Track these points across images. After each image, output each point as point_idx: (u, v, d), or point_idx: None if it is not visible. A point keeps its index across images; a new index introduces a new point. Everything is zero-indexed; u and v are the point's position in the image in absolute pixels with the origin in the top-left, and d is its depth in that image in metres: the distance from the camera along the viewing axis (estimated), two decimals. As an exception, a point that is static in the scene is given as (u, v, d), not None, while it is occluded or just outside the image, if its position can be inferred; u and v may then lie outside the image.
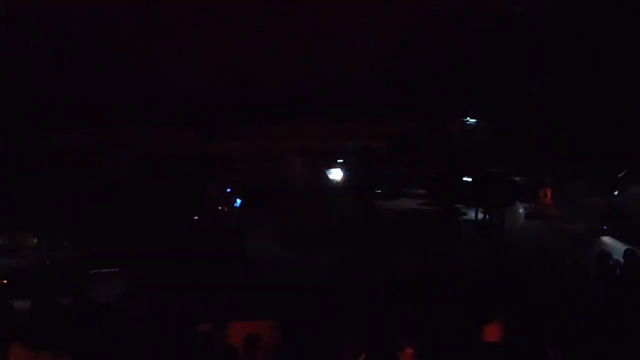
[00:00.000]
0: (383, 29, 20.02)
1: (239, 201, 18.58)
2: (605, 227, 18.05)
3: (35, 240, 17.24)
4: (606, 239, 17.59)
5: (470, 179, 19.64)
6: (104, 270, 15.43)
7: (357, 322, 9.83)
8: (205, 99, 20.19)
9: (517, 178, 20.28)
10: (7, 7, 19.57)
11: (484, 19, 20.13)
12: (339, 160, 20.50)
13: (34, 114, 19.54)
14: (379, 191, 20.84)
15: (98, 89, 19.86)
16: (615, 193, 19.14)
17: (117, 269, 15.45)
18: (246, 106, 20.43)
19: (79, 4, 19.91)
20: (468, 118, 21.03)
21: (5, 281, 14.78)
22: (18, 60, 19.54)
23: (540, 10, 20.69)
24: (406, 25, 19.93)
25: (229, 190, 18.78)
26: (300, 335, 9.74)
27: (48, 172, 18.73)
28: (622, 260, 13.31)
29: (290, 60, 20.26)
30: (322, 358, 8.83)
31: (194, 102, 20.27)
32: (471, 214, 19.19)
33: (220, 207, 18.50)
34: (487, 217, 18.92)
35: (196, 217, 18.35)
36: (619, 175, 19.30)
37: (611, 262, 13.11)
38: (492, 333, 8.79)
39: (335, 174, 20.21)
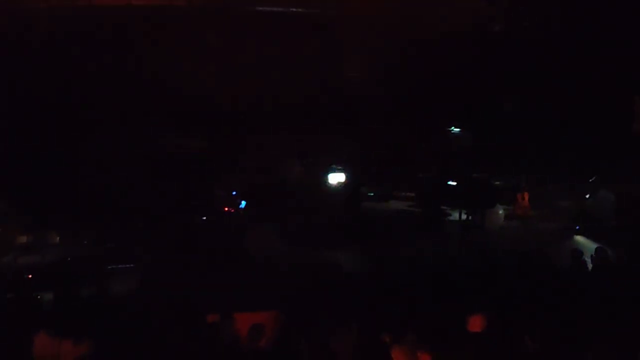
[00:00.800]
0: (381, 50, 20.06)
1: (243, 203, 18.58)
2: (577, 227, 18.09)
3: (58, 238, 17.23)
4: (578, 238, 17.62)
5: (454, 183, 19.64)
6: (120, 266, 15.43)
7: (351, 310, 9.83)
8: (215, 111, 20.22)
9: (497, 182, 20.29)
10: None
11: (470, 41, 20.15)
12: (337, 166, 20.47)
13: (58, 122, 19.56)
14: (372, 194, 20.86)
15: (117, 97, 19.91)
16: (587, 196, 19.15)
17: (132, 265, 15.47)
18: (251, 116, 20.47)
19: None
20: (453, 128, 21.03)
21: (30, 276, 14.77)
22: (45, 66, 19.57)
23: (517, 31, 20.74)
24: (401, 47, 19.98)
25: (234, 193, 18.78)
26: (300, 323, 9.73)
27: (68, 177, 18.72)
28: (593, 257, 13.32)
29: (295, 74, 20.28)
30: (319, 343, 8.80)
31: (205, 113, 20.30)
32: (455, 215, 19.19)
33: (226, 208, 18.50)
34: (470, 217, 18.93)
35: (205, 218, 18.34)
36: (590, 181, 19.33)
37: (583, 259, 13.11)
38: (476, 324, 8.76)
39: (332, 178, 20.18)
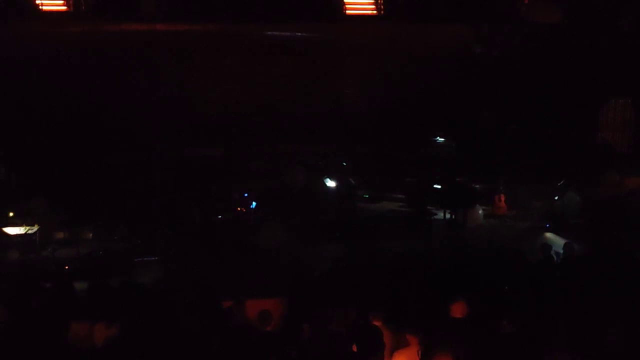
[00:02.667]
0: (375, 71, 20.08)
1: (254, 204, 18.56)
2: (547, 225, 18.03)
3: (91, 234, 17.22)
4: (548, 235, 17.55)
5: (439, 186, 19.62)
6: (146, 258, 15.43)
7: (347, 297, 9.83)
8: (230, 124, 20.29)
9: (477, 185, 20.28)
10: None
11: (449, 62, 20.18)
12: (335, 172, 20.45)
13: (94, 133, 19.63)
14: (366, 196, 20.84)
15: (145, 112, 20.02)
16: (556, 198, 19.12)
17: (156, 257, 15.47)
18: (261, 128, 20.54)
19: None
20: (438, 138, 21.02)
21: (67, 267, 14.77)
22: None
23: (493, 53, 20.76)
24: (392, 68, 20.04)
25: (246, 195, 18.75)
26: (302, 308, 9.73)
27: (101, 180, 18.76)
28: (561, 251, 13.32)
29: (300, 91, 20.35)
30: (320, 325, 8.79)
31: (221, 126, 20.38)
32: (440, 214, 19.16)
33: (239, 209, 18.48)
34: (453, 216, 18.90)
35: (220, 216, 18.34)
36: (559, 184, 19.30)
37: (552, 253, 13.10)
38: (458, 310, 8.74)
39: (331, 182, 20.17)
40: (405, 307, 9.41)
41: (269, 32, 20.87)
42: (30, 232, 16.17)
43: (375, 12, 20.66)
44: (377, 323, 8.51)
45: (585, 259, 13.02)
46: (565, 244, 13.39)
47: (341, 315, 9.23)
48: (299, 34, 21.02)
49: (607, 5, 19.93)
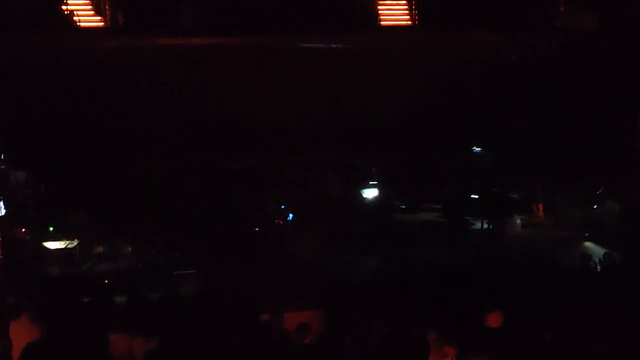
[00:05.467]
0: (410, 80, 20.00)
1: (291, 215, 18.60)
2: (586, 234, 17.84)
3: (130, 248, 17.35)
4: (588, 244, 17.38)
5: (476, 196, 19.53)
6: (184, 271, 15.51)
7: (383, 308, 9.78)
8: (265, 135, 20.34)
9: (515, 195, 20.15)
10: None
11: (488, 69, 20.08)
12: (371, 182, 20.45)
13: (131, 146, 19.81)
14: (403, 206, 20.80)
15: (180, 123, 20.20)
16: (595, 207, 18.93)
17: (195, 270, 15.53)
18: (297, 139, 20.57)
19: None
20: (474, 147, 20.89)
21: (107, 280, 14.90)
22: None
23: (532, 60, 20.61)
24: (428, 77, 19.95)
25: (283, 207, 18.81)
26: (339, 321, 9.70)
27: (139, 195, 18.89)
28: (601, 261, 13.19)
29: (334, 101, 20.38)
30: (358, 337, 8.76)
31: (257, 138, 20.45)
32: (477, 224, 19.06)
33: (276, 220, 18.53)
34: (490, 226, 18.80)
35: (257, 228, 18.39)
36: (597, 192, 19.11)
37: (592, 262, 12.97)
38: (494, 320, 8.68)
39: (368, 193, 20.16)
40: (445, 318, 9.33)
41: (304, 44, 20.95)
42: (70, 246, 16.36)
43: (410, 22, 20.69)
44: (432, 336, 8.43)
45: (626, 268, 12.87)
46: (605, 253, 13.27)
47: (380, 326, 9.17)
48: (335, 45, 21.07)
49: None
